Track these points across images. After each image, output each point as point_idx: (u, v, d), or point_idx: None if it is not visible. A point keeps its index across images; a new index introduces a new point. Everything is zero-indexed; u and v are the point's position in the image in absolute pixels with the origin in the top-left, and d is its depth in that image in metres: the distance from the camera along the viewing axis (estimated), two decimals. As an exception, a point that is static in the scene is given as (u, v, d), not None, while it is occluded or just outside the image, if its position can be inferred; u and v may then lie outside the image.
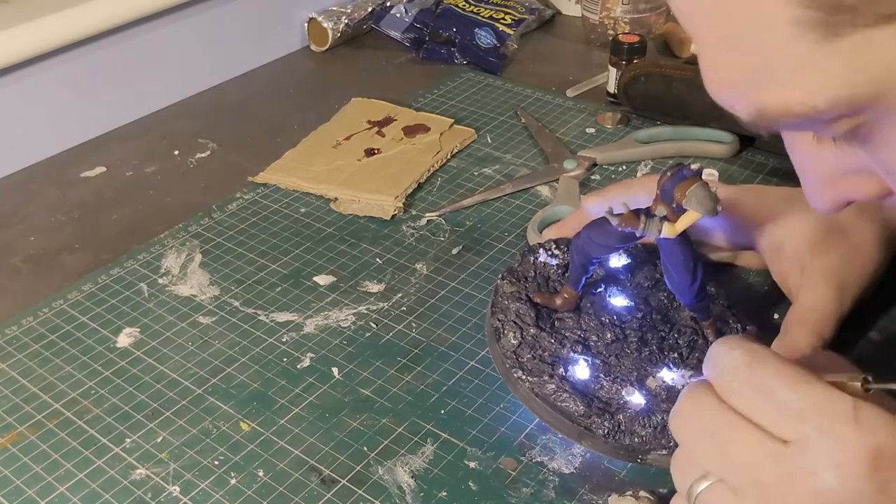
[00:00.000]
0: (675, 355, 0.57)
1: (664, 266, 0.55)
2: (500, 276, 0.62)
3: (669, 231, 0.51)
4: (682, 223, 0.51)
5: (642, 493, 0.52)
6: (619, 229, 0.52)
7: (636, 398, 0.54)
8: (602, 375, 0.56)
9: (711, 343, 0.57)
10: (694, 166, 0.50)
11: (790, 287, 0.62)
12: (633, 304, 0.60)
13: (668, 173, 0.50)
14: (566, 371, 0.56)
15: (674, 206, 0.50)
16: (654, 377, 0.56)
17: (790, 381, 0.37)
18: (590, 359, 0.56)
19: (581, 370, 0.56)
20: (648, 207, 0.52)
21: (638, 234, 0.52)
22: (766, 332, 0.60)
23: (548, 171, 0.85)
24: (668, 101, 0.91)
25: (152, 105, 1.00)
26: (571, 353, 0.57)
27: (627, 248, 0.57)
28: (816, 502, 0.35)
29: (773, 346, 0.58)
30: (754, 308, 0.63)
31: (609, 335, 0.58)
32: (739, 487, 0.37)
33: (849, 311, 0.60)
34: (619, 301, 0.60)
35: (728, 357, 0.39)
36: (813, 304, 0.58)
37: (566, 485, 0.54)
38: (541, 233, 0.71)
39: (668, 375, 0.56)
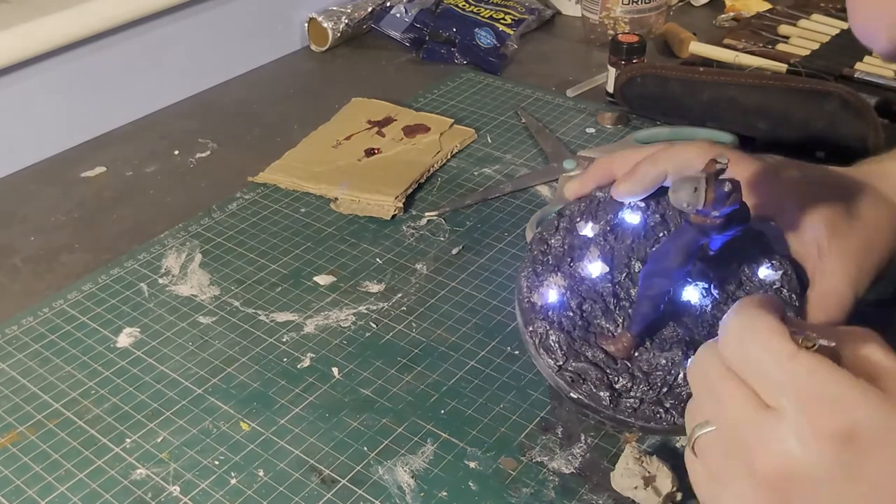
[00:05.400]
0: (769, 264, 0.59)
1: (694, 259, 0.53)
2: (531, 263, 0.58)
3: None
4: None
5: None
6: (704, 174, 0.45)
7: None
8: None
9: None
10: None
11: (807, 269, 0.62)
12: (701, 299, 0.57)
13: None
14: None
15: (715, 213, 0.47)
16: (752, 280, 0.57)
17: (776, 355, 0.39)
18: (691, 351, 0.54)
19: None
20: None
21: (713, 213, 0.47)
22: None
23: (548, 170, 0.85)
24: (665, 102, 0.91)
25: (152, 105, 1.00)
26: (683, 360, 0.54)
27: (697, 257, 0.54)
28: (779, 466, 0.38)
29: None
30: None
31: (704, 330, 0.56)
32: (725, 438, 0.41)
33: (864, 292, 0.60)
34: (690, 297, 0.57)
35: (731, 321, 0.42)
36: (830, 289, 0.59)
37: (566, 485, 0.54)
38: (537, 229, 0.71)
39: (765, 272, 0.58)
